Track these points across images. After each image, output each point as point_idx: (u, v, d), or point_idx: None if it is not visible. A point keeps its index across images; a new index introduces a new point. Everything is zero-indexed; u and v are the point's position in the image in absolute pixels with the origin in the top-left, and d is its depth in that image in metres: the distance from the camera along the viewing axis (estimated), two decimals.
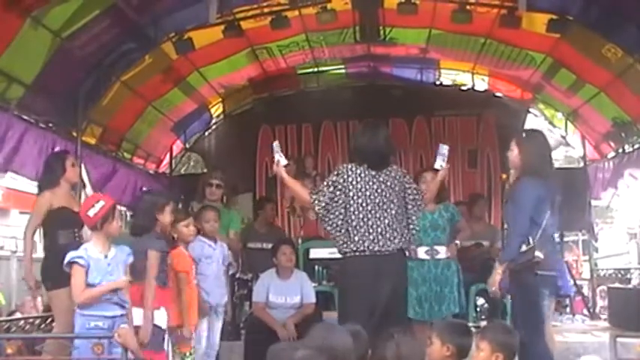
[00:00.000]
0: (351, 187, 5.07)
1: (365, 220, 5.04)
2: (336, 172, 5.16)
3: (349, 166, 5.13)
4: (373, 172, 5.13)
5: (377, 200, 5.07)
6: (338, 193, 5.06)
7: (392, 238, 5.04)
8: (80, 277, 4.45)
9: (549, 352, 4.78)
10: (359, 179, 5.10)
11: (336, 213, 5.07)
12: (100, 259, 4.55)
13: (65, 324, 5.40)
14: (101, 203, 4.63)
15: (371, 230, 5.02)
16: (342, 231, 5.08)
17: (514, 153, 5.10)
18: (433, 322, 5.69)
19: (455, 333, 3.91)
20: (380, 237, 5.03)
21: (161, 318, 4.84)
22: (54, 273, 5.42)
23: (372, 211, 5.05)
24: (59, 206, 5.54)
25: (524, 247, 4.79)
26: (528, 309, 4.80)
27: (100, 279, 4.51)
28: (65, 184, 5.71)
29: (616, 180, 8.93)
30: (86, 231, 5.74)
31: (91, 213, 4.61)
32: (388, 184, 5.13)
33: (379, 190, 5.10)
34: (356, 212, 5.05)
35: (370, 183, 5.11)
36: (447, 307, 6.13)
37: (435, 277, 6.10)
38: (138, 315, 4.70)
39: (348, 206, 5.05)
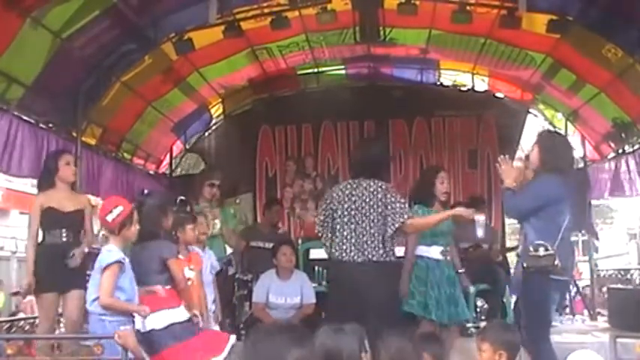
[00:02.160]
0: (335, 201, 5.40)
1: (341, 230, 5.32)
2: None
3: (338, 185, 5.57)
4: (355, 185, 5.37)
5: (352, 212, 5.32)
6: (328, 210, 5.43)
7: (363, 250, 5.23)
8: (114, 279, 4.46)
9: (554, 354, 4.78)
10: (340, 193, 5.40)
11: (327, 227, 5.44)
12: (127, 265, 4.58)
13: (48, 329, 5.44)
14: (120, 209, 4.62)
15: (345, 240, 5.29)
16: (329, 241, 5.42)
17: (534, 152, 5.13)
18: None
19: (504, 336, 3.89)
20: (352, 247, 5.26)
21: (179, 314, 4.84)
22: (41, 275, 5.47)
23: (348, 223, 5.32)
24: (47, 207, 5.58)
25: (542, 252, 4.74)
26: (537, 312, 4.79)
27: (126, 284, 4.54)
28: (61, 183, 5.72)
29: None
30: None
31: (110, 218, 4.60)
32: (364, 197, 5.33)
33: (357, 203, 5.32)
34: (335, 223, 5.36)
35: (350, 196, 5.36)
36: (462, 310, 6.03)
37: (448, 279, 5.97)
38: (152, 319, 4.71)
39: (332, 219, 5.39)
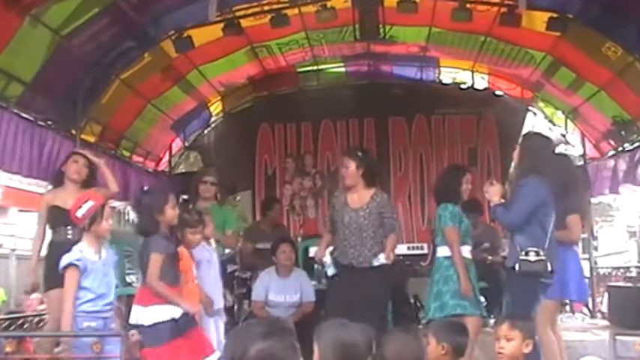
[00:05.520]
0: None
1: None
2: None
3: None
4: None
5: None
6: None
7: None
8: (74, 282, 4.42)
9: (539, 355, 4.81)
10: None
11: None
12: (95, 261, 4.53)
13: (56, 327, 5.44)
14: (89, 203, 4.58)
15: None
16: None
17: (516, 152, 5.30)
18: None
19: (452, 332, 3.95)
20: None
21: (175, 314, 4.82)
22: (47, 273, 5.51)
23: None
24: (52, 205, 5.60)
25: (533, 257, 4.81)
26: (525, 312, 4.81)
27: (97, 282, 4.50)
28: (68, 181, 5.75)
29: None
30: None
31: (79, 214, 4.57)
32: None
33: None
34: None
35: None
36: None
37: (474, 276, 6.03)
38: (143, 313, 4.69)
39: None
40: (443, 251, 5.85)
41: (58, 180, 5.81)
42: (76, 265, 4.45)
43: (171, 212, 4.92)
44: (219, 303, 5.91)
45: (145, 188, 5.32)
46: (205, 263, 5.66)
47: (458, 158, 10.61)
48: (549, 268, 4.83)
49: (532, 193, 4.98)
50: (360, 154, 6.07)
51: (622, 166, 8.72)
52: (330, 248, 5.99)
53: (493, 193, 5.25)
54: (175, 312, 4.70)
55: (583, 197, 5.50)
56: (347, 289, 5.72)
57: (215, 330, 5.73)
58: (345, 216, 5.87)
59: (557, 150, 8.27)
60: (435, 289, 5.80)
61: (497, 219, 5.49)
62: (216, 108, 10.93)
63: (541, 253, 4.83)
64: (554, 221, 5.02)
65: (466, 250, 5.90)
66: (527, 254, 4.86)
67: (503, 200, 5.20)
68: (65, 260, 4.47)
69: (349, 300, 5.58)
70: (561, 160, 5.55)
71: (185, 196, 6.45)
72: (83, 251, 4.51)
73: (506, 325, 3.88)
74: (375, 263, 5.78)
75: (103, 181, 5.99)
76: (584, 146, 9.95)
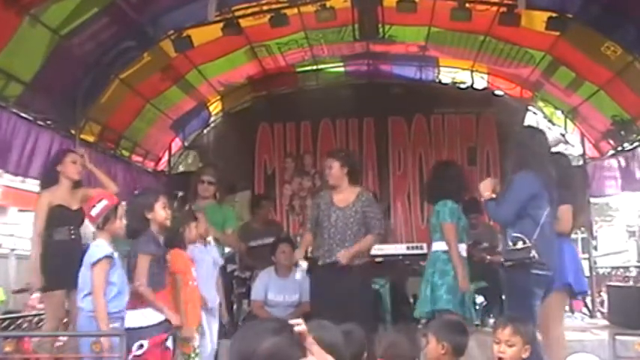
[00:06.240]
0: None
1: None
2: None
3: None
4: None
5: None
6: None
7: None
8: (104, 276, 4.45)
9: (540, 354, 4.80)
10: None
11: None
12: (117, 257, 4.58)
13: (55, 327, 5.43)
14: (103, 202, 4.63)
15: None
16: None
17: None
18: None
19: (452, 331, 3.96)
20: None
21: (145, 317, 4.81)
22: (49, 273, 5.46)
23: None
24: (55, 205, 5.56)
25: (520, 245, 4.81)
26: (521, 309, 4.81)
27: (120, 278, 4.53)
28: (65, 181, 5.71)
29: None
30: (84, 228, 5.77)
31: (93, 212, 4.62)
32: None
33: None
34: None
35: None
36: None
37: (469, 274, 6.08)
38: (132, 317, 4.69)
39: None
40: (439, 245, 5.86)
41: (52, 179, 5.75)
42: (110, 258, 4.47)
43: (161, 212, 4.92)
44: (215, 301, 5.92)
45: (137, 192, 5.34)
46: (198, 262, 5.65)
47: (457, 158, 10.57)
48: (532, 254, 4.79)
49: (522, 188, 4.97)
50: (343, 154, 6.25)
51: (629, 164, 8.72)
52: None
53: (484, 187, 5.24)
54: (157, 318, 4.74)
55: (576, 193, 5.46)
56: (332, 287, 5.77)
57: (208, 329, 5.74)
58: (332, 215, 5.95)
59: (557, 149, 8.30)
60: (429, 282, 5.81)
61: (490, 214, 5.50)
62: (215, 108, 10.93)
63: (527, 241, 4.81)
64: (548, 215, 4.98)
65: (462, 249, 5.91)
66: (515, 244, 4.86)
67: (494, 195, 5.18)
68: (99, 254, 4.48)
69: (334, 299, 5.62)
70: (554, 157, 5.54)
71: (181, 193, 6.43)
72: (108, 247, 4.54)
73: (509, 331, 3.86)
74: (357, 261, 5.85)
75: (95, 183, 6.00)
76: (583, 146, 9.94)
